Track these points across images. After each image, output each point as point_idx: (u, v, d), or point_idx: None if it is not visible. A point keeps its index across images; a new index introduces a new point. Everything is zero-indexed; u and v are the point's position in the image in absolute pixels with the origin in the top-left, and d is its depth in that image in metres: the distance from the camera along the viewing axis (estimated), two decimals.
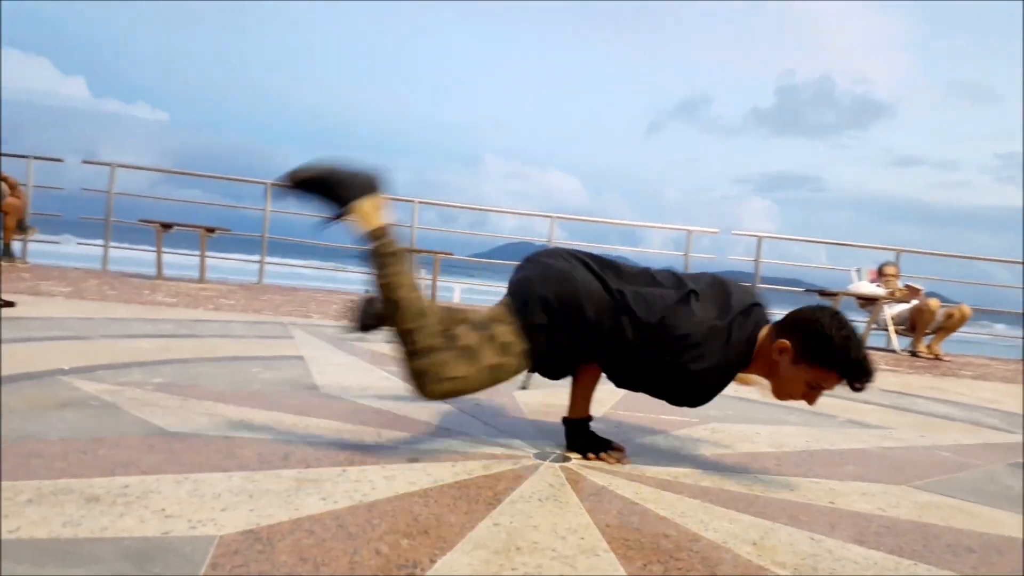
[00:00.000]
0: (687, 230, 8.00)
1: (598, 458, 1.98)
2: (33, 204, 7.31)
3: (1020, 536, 1.68)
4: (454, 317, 1.96)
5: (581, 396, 2.10)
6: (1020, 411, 3.66)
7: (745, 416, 2.84)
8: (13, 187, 6.43)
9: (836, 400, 3.38)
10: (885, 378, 4.63)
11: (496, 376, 1.82)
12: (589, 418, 2.08)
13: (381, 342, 3.76)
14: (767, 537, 1.51)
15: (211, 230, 6.47)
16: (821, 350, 1.81)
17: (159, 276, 6.63)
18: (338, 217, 1.82)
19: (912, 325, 6.81)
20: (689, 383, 1.86)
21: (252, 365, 2.89)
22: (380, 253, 1.80)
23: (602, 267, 1.93)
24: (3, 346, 2.79)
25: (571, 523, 1.49)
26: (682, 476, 1.91)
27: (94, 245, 7.45)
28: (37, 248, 7.33)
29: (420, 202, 8.15)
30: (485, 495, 1.61)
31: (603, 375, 2.04)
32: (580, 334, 1.86)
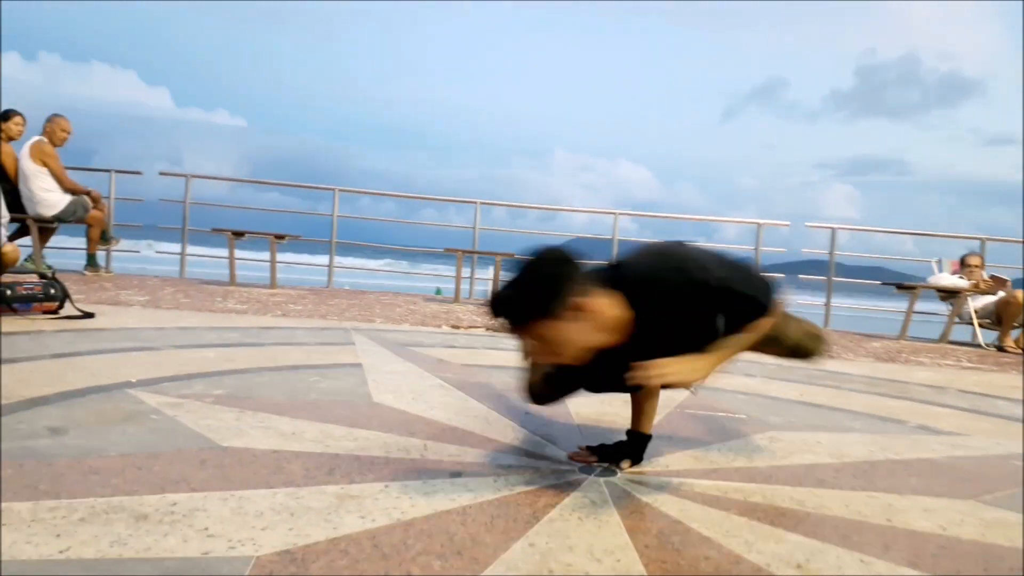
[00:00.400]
0: (756, 223, 7.80)
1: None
2: (116, 215, 7.66)
3: None
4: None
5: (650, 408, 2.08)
6: None
7: (807, 423, 2.75)
8: (96, 200, 6.73)
9: (908, 404, 3.25)
10: (964, 377, 4.43)
11: None
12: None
13: (438, 347, 3.80)
14: (813, 559, 1.46)
15: (280, 237, 6.65)
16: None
17: (232, 282, 6.85)
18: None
19: (998, 318, 6.48)
20: None
21: (310, 374, 2.95)
22: None
23: None
24: (79, 358, 2.93)
25: (608, 544, 1.47)
26: (732, 491, 1.86)
27: (172, 253, 7.74)
28: (120, 256, 7.66)
29: (482, 203, 8.19)
30: (524, 513, 1.61)
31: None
32: None
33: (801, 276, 7.97)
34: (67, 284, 5.13)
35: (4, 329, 3.50)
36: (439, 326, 5.02)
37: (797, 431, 2.59)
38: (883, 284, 6.96)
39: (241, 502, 1.54)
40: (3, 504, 1.44)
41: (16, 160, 6.28)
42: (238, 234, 6.68)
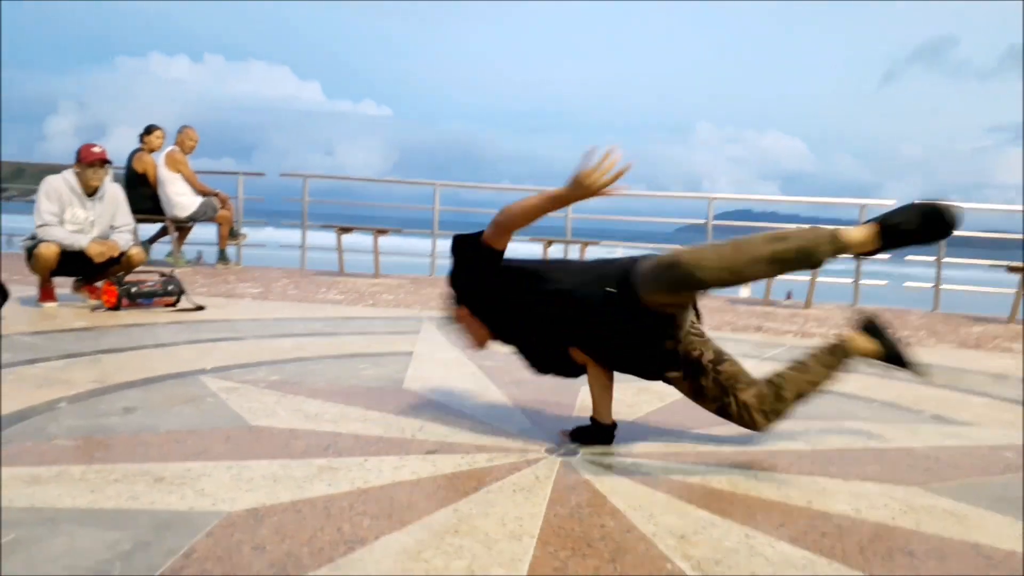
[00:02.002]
0: (860, 204, 7.57)
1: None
2: (244, 213, 8.47)
3: (988, 542, 1.67)
4: None
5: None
6: None
7: (811, 411, 2.85)
8: (224, 201, 7.51)
9: (945, 393, 3.25)
10: None
11: None
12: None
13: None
14: (700, 532, 1.66)
15: (382, 231, 7.17)
16: None
17: (341, 272, 7.45)
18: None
19: None
20: None
21: (362, 362, 3.34)
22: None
23: None
24: (174, 348, 3.47)
25: (522, 512, 1.73)
26: (676, 472, 2.07)
27: (294, 247, 8.47)
28: (249, 252, 8.47)
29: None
30: (468, 485, 1.89)
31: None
32: None
33: (907, 257, 7.65)
34: (196, 278, 5.84)
35: (129, 321, 4.13)
36: None
37: (792, 419, 2.70)
38: (991, 265, 6.61)
39: (241, 470, 1.92)
40: (63, 466, 1.88)
41: (156, 168, 7.12)
42: (345, 229, 7.27)
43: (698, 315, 2.33)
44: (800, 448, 2.36)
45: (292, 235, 8.88)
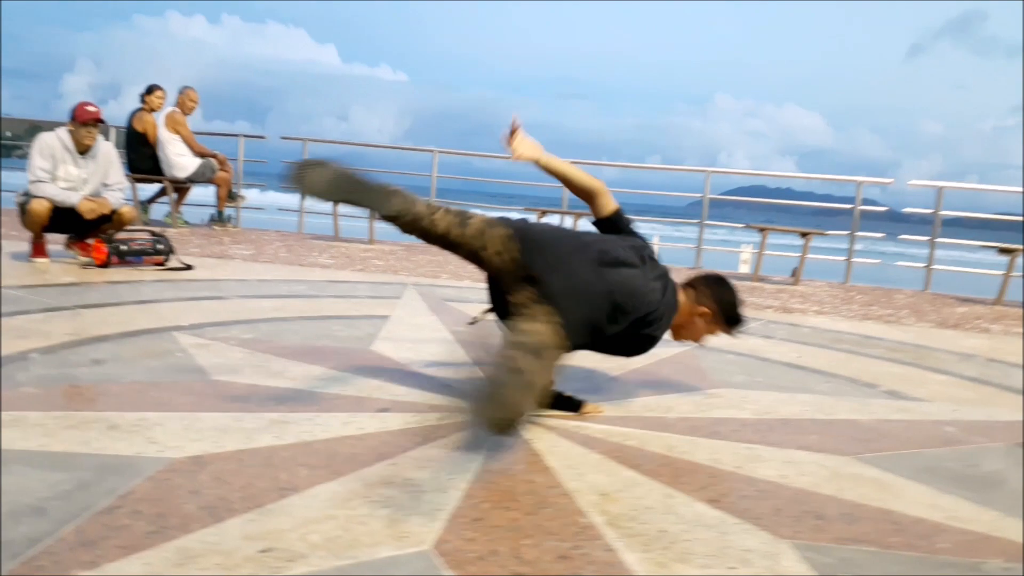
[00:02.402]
0: (855, 180, 7.56)
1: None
2: (245, 176, 8.53)
3: (900, 508, 1.74)
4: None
5: None
6: None
7: (768, 382, 2.91)
8: (223, 163, 7.57)
9: (907, 369, 3.31)
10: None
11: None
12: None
13: (483, 303, 4.16)
14: (623, 491, 1.73)
15: None
16: (732, 318, 2.34)
17: (336, 237, 7.52)
18: None
19: None
20: (648, 345, 2.26)
21: (336, 324, 3.42)
22: None
23: (601, 260, 2.12)
24: (155, 305, 3.56)
25: (456, 467, 1.80)
26: (616, 435, 2.13)
27: (293, 211, 8.54)
28: (248, 216, 8.54)
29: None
30: (412, 441, 1.96)
31: None
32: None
33: (902, 236, 7.65)
34: (191, 238, 5.92)
35: (116, 278, 4.21)
36: None
37: (747, 389, 2.77)
38: (983, 246, 6.61)
39: (193, 421, 2.00)
40: (24, 412, 1.96)
41: (156, 128, 7.17)
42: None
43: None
44: (745, 417, 2.42)
45: (292, 198, 8.95)
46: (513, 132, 2.23)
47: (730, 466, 1.96)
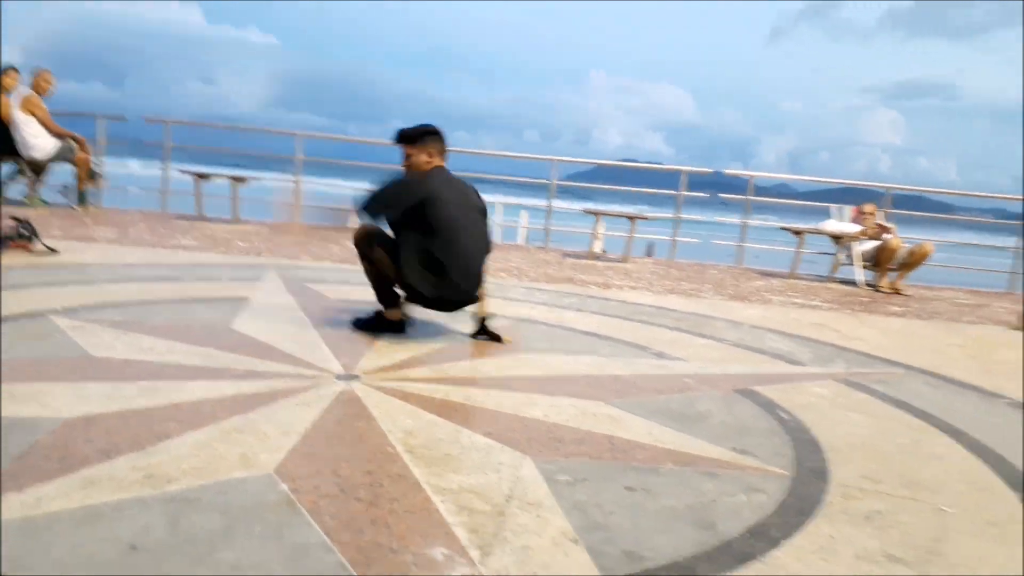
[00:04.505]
0: (680, 170, 8.50)
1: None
2: (107, 154, 8.57)
3: (621, 435, 2.45)
4: None
5: None
6: (881, 353, 4.27)
7: (567, 347, 3.62)
8: (81, 143, 7.63)
9: (677, 335, 4.10)
10: (787, 314, 5.24)
11: None
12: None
13: (334, 284, 4.66)
14: (424, 429, 2.35)
15: (240, 179, 7.52)
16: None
17: (199, 217, 7.77)
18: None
19: (876, 261, 7.23)
20: None
21: (199, 305, 3.86)
22: None
23: None
24: (27, 290, 3.87)
25: (297, 418, 2.36)
26: (431, 391, 2.75)
27: (153, 191, 8.66)
28: (110, 195, 8.60)
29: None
30: (262, 401, 2.50)
31: None
32: None
33: (718, 219, 8.70)
34: (53, 220, 6.07)
35: None
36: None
37: (545, 353, 3.46)
38: (781, 228, 7.70)
39: (79, 389, 2.46)
40: None
41: (10, 109, 7.16)
42: (203, 176, 7.57)
43: None
44: (535, 375, 3.11)
45: (156, 172, 9.03)
46: None
47: (509, 410, 2.62)
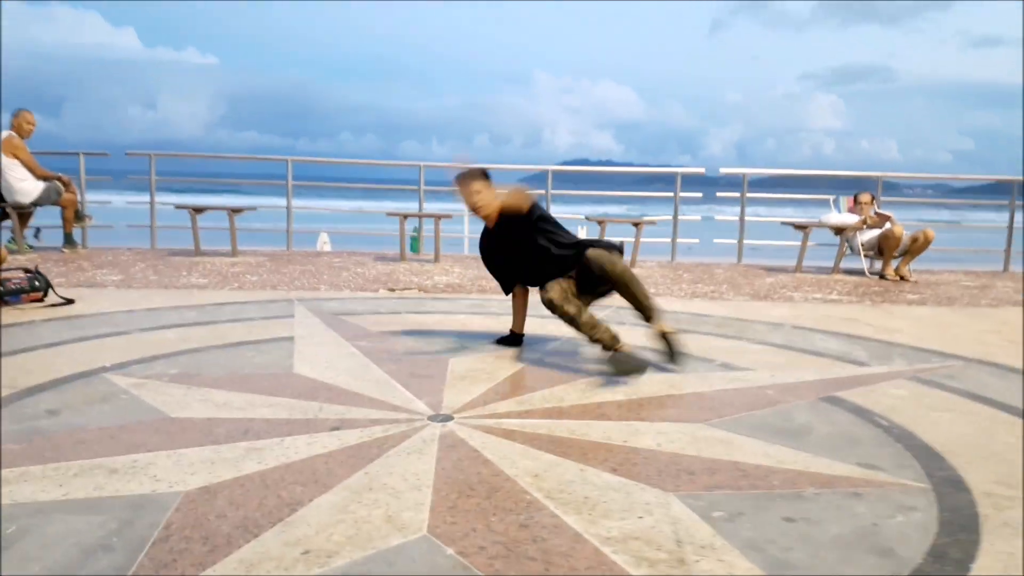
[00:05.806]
0: (675, 172, 8.53)
1: None
2: (88, 193, 8.30)
3: (744, 459, 2.41)
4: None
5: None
6: (915, 343, 4.30)
7: None
8: (67, 184, 7.38)
9: (733, 343, 4.08)
10: (816, 311, 5.26)
11: None
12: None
13: (366, 314, 4.56)
14: (549, 470, 2.29)
15: (237, 210, 7.34)
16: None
17: (197, 252, 7.57)
18: None
19: (880, 250, 7.32)
20: None
21: (248, 350, 3.74)
22: None
23: None
24: (64, 347, 3.71)
25: (417, 469, 2.28)
26: (529, 427, 2.68)
27: (143, 227, 8.41)
28: (95, 232, 8.33)
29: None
30: (371, 453, 2.42)
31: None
32: None
33: (718, 217, 8.75)
34: (48, 265, 5.86)
35: (7, 321, 4.25)
36: (376, 290, 5.80)
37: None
38: (782, 223, 7.77)
39: (179, 457, 2.35)
40: (24, 467, 2.23)
41: None
42: (199, 210, 7.37)
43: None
44: (620, 399, 3.05)
45: (140, 207, 8.77)
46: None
47: (619, 440, 2.57)
